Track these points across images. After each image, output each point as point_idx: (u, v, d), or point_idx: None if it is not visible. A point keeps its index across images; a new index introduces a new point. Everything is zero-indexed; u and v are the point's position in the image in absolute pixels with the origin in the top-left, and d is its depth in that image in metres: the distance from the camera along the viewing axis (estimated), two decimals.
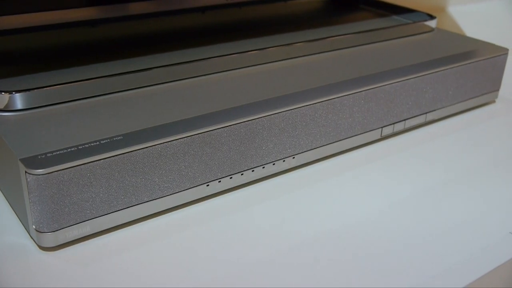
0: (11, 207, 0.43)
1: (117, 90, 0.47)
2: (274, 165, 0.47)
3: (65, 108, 0.45)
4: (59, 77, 0.47)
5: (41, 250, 0.39)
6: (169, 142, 0.40)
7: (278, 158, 0.47)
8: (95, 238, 0.40)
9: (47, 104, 0.45)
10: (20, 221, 0.41)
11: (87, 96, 0.46)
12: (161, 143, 0.40)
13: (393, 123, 0.55)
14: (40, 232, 0.38)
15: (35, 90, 0.44)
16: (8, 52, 0.54)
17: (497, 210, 0.46)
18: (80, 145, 0.39)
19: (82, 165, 0.37)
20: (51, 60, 0.52)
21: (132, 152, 0.39)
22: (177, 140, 0.41)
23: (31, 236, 0.40)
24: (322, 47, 0.59)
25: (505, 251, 0.41)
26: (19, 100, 0.44)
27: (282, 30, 0.64)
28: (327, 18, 0.71)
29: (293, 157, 0.49)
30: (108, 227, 0.40)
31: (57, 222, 0.38)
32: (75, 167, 0.37)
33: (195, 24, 0.65)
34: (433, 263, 0.39)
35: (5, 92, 0.43)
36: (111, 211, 0.40)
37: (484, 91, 0.63)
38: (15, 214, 0.43)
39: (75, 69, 0.50)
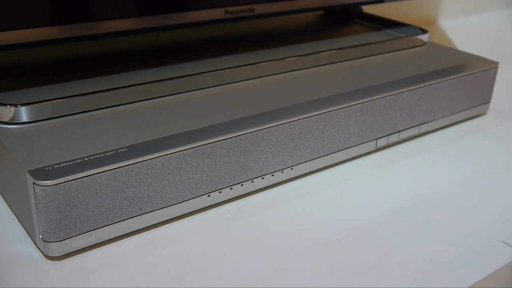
0: (16, 217, 0.44)
1: (121, 103, 0.49)
2: (273, 176, 0.49)
3: (70, 120, 0.46)
4: (64, 91, 0.48)
5: (47, 259, 0.40)
6: (172, 154, 0.42)
7: (277, 169, 0.49)
8: (100, 248, 0.41)
9: (52, 117, 0.46)
10: (26, 230, 0.42)
11: (91, 109, 0.47)
12: (164, 155, 0.41)
13: (388, 135, 0.57)
14: (47, 241, 0.39)
15: (40, 103, 0.45)
16: (13, 66, 0.55)
17: (489, 219, 0.47)
18: (86, 157, 0.40)
19: (88, 177, 0.38)
20: (56, 73, 0.53)
21: (136, 164, 0.40)
22: (180, 152, 0.42)
23: (37, 246, 0.40)
24: (318, 60, 0.61)
25: (497, 259, 0.42)
26: (24, 113, 0.45)
27: (278, 44, 0.65)
28: (322, 32, 0.72)
29: (291, 168, 0.50)
30: (113, 237, 0.41)
31: (63, 232, 0.39)
32: (81, 179, 0.38)
33: (194, 38, 0.67)
34: (424, 270, 0.41)
35: (11, 105, 0.44)
36: (115, 221, 0.41)
37: (476, 103, 0.65)
38: (20, 224, 0.43)
39: (79, 82, 0.51)
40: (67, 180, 0.37)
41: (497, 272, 0.42)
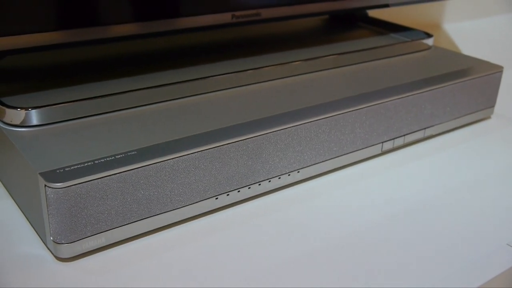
0: (27, 218, 0.45)
1: (130, 106, 0.49)
2: (279, 179, 0.49)
3: (80, 124, 0.46)
4: (74, 94, 0.49)
5: (57, 261, 0.41)
6: (180, 157, 0.42)
7: (284, 172, 0.49)
8: (109, 249, 0.42)
9: (62, 120, 0.46)
10: (36, 232, 0.43)
11: (101, 112, 0.48)
12: (173, 158, 0.42)
13: (393, 138, 0.57)
14: (58, 243, 0.39)
15: (50, 106, 0.46)
16: (24, 69, 0.56)
17: (493, 222, 0.48)
18: (96, 159, 0.40)
19: (99, 179, 0.39)
20: (66, 77, 0.54)
21: (145, 167, 0.41)
22: (188, 155, 0.42)
23: (47, 247, 0.41)
24: (324, 64, 0.61)
25: (502, 262, 0.43)
26: (35, 116, 0.45)
27: (284, 48, 0.66)
28: (327, 36, 0.73)
29: (298, 171, 0.50)
30: (122, 239, 0.42)
31: (74, 233, 0.39)
32: (92, 181, 0.38)
33: (202, 43, 0.67)
34: (429, 273, 0.41)
35: (22, 108, 0.45)
36: (125, 223, 0.41)
37: (480, 107, 0.66)
38: (30, 225, 0.44)
39: (89, 85, 0.51)
40: (78, 182, 0.38)
41: (501, 275, 0.42)
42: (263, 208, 0.48)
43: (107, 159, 0.40)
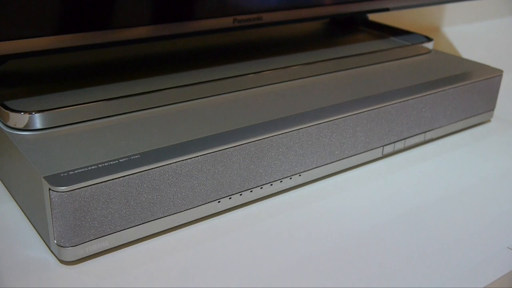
0: (30, 221, 0.45)
1: (132, 110, 0.50)
2: (281, 183, 0.49)
3: (84, 127, 0.46)
4: (77, 98, 0.49)
5: (61, 264, 0.41)
6: (183, 161, 0.42)
7: (285, 176, 0.49)
8: (112, 253, 0.42)
9: (66, 123, 0.47)
10: (40, 235, 0.43)
11: (104, 116, 0.48)
12: (176, 162, 0.42)
13: (394, 142, 0.57)
14: (62, 246, 0.39)
15: (54, 110, 0.46)
16: (27, 73, 0.56)
17: (494, 225, 0.48)
18: (100, 163, 0.41)
19: (102, 183, 0.39)
20: (69, 81, 0.54)
21: (149, 170, 0.41)
22: (191, 159, 0.43)
23: (51, 250, 0.41)
24: (325, 68, 0.61)
25: (503, 266, 0.43)
26: (38, 120, 0.46)
27: (285, 52, 0.66)
28: (328, 40, 0.73)
29: (299, 175, 0.51)
30: (125, 242, 0.42)
31: (78, 237, 0.39)
32: (95, 185, 0.39)
33: (204, 46, 0.67)
34: (430, 277, 0.41)
35: (25, 112, 0.45)
36: (128, 227, 0.42)
37: (480, 111, 0.66)
38: (33, 228, 0.44)
39: (92, 89, 0.52)
40: (82, 186, 0.38)
41: (502, 278, 0.42)
42: (265, 211, 0.48)
43: (111, 163, 0.41)
